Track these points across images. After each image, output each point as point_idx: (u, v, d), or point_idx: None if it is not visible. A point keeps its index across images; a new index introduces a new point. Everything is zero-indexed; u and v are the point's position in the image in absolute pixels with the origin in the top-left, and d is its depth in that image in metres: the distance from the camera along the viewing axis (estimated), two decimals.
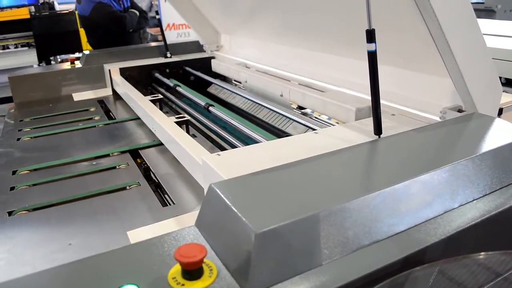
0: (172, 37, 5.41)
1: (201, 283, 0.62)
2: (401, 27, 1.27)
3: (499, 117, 2.14)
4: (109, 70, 2.33)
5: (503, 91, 2.28)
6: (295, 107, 1.95)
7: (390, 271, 0.64)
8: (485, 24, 3.45)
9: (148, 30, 5.99)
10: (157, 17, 2.56)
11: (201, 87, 2.40)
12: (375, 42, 0.97)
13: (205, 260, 0.65)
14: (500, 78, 2.36)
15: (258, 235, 0.61)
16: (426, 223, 0.74)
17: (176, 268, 0.64)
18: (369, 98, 1.46)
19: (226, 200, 0.69)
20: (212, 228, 0.72)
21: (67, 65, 2.52)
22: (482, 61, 1.12)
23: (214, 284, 0.62)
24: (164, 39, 2.54)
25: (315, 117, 1.87)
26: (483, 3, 7.46)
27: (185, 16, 2.62)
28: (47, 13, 4.95)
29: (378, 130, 1.05)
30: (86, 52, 2.59)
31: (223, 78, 2.50)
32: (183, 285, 0.62)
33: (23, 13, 4.80)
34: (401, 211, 0.73)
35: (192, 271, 0.62)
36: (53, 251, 1.00)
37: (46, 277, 0.65)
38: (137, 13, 3.27)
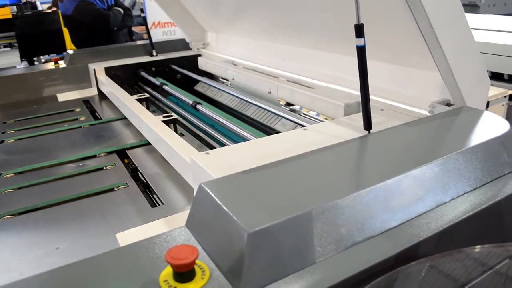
0: (157, 35, 5.36)
1: (193, 285, 0.61)
2: (390, 22, 1.27)
3: (486, 109, 2.16)
4: (94, 70, 2.30)
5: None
6: (283, 103, 1.94)
7: (384, 267, 0.63)
8: (470, 19, 3.48)
9: (133, 28, 5.94)
10: (142, 15, 2.53)
11: (188, 85, 2.38)
12: (363, 37, 0.97)
13: (196, 261, 0.64)
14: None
15: (251, 235, 0.60)
16: (418, 218, 0.74)
17: (168, 271, 0.63)
18: (358, 93, 1.46)
19: (217, 200, 0.68)
20: (203, 228, 0.70)
21: (51, 65, 2.48)
22: (470, 55, 1.12)
23: (206, 285, 0.61)
24: (149, 38, 2.51)
25: (304, 114, 1.86)
26: None
27: (170, 14, 2.59)
28: (30, 12, 4.87)
29: (368, 125, 1.05)
30: (70, 51, 2.55)
31: (210, 76, 2.48)
32: (172, 286, 0.60)
33: (5, 13, 4.72)
34: (393, 207, 0.73)
35: (184, 273, 0.61)
36: (40, 256, 0.98)
37: (34, 284, 0.63)
38: (121, 11, 3.23)
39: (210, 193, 0.71)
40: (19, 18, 4.65)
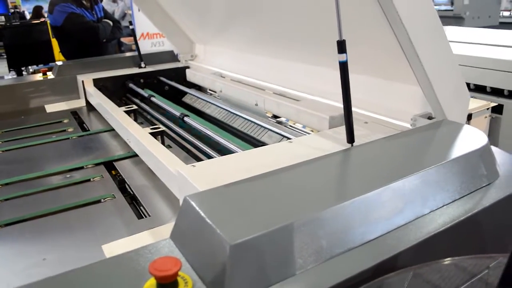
0: (146, 46, 5.37)
1: None
2: (373, 37, 1.30)
3: (468, 122, 2.21)
4: (82, 81, 2.31)
5: (472, 97, 2.35)
6: (270, 116, 1.97)
7: (363, 278, 0.65)
8: (454, 31, 3.55)
9: (122, 39, 5.95)
10: (131, 27, 2.55)
11: (176, 97, 2.40)
12: (346, 53, 0.99)
13: (180, 273, 0.65)
14: (469, 84, 2.44)
15: (233, 247, 0.61)
16: (398, 230, 0.76)
17: (151, 282, 0.64)
18: (340, 106, 1.50)
19: (201, 212, 0.70)
20: (187, 240, 0.72)
21: (39, 76, 2.48)
22: (449, 69, 1.15)
23: None
24: (138, 49, 2.53)
25: (290, 126, 1.89)
26: (452, 10, 7.67)
27: (158, 26, 2.62)
28: (18, 23, 4.87)
29: (350, 138, 1.07)
30: (59, 63, 2.56)
31: (198, 88, 2.51)
32: None
33: None
34: (373, 219, 0.75)
35: (167, 285, 0.62)
36: (27, 267, 0.98)
37: None
38: (111, 23, 3.25)
39: (194, 205, 0.72)
40: (7, 28, 4.64)
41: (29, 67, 5.34)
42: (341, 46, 0.98)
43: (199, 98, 2.20)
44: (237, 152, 1.32)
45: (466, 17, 7.43)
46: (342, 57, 0.99)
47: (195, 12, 2.36)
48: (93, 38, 3.12)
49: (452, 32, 3.61)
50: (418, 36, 1.03)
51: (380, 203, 0.77)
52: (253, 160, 1.06)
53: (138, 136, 1.46)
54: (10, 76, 4.74)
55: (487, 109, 2.23)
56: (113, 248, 1.03)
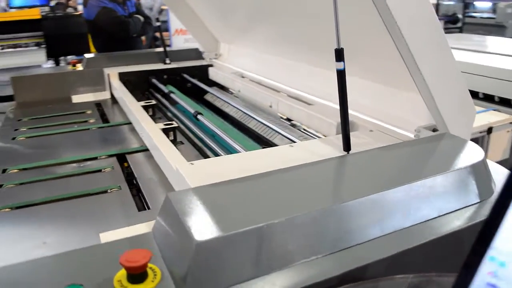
0: (179, 42, 5.48)
1: (143, 286, 0.65)
2: (385, 45, 1.30)
3: (488, 136, 2.15)
4: (108, 74, 2.39)
5: (496, 110, 2.29)
6: (284, 118, 1.99)
7: (326, 286, 0.67)
8: (495, 42, 3.45)
9: (158, 34, 6.08)
10: (157, 24, 2.61)
11: (199, 94, 2.45)
12: (343, 61, 1.00)
13: (151, 265, 0.68)
14: (493, 96, 2.38)
15: (199, 244, 0.64)
16: (372, 241, 0.77)
17: (123, 272, 0.68)
18: (354, 113, 1.50)
19: (176, 209, 0.73)
20: (164, 235, 0.75)
21: (69, 68, 2.58)
22: (453, 83, 1.14)
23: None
24: (163, 45, 2.60)
25: (303, 129, 1.90)
26: (494, 18, 7.43)
27: (185, 24, 2.67)
28: (59, 14, 5.06)
29: (346, 146, 1.08)
30: (89, 55, 2.65)
31: (221, 86, 2.55)
32: (125, 287, 0.65)
33: (34, 14, 4.91)
34: (347, 229, 0.76)
35: (136, 275, 0.66)
36: (27, 249, 1.04)
37: None
38: (141, 18, 3.33)
39: (172, 203, 0.75)
40: (47, 19, 4.84)
41: (68, 57, 5.54)
42: (339, 54, 1.00)
43: (218, 97, 2.23)
44: (240, 152, 1.35)
45: (509, 26, 7.18)
46: (340, 65, 1.00)
47: (221, 13, 2.40)
48: (123, 32, 3.21)
49: (493, 42, 3.52)
50: (419, 48, 1.02)
51: (357, 213, 0.78)
52: (249, 162, 1.09)
53: (149, 131, 1.51)
54: (48, 65, 4.93)
55: (510, 123, 2.17)
56: (109, 237, 1.08)
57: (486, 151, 2.09)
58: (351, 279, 0.69)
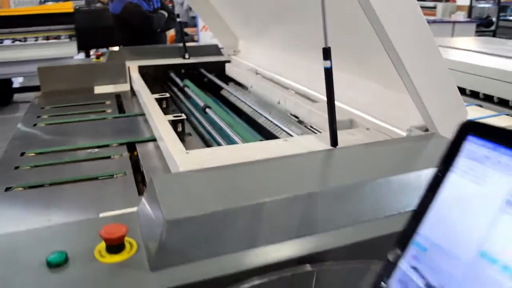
0: (206, 38, 5.59)
1: (118, 256, 0.73)
2: (381, 47, 1.34)
3: None
4: (128, 67, 2.49)
5: (509, 115, 2.27)
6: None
7: (281, 266, 0.72)
8: None
9: (185, 29, 6.21)
10: (178, 19, 2.70)
11: (215, 89, 2.52)
12: (330, 60, 1.05)
13: (129, 239, 0.76)
14: (508, 101, 2.35)
15: (168, 222, 0.71)
16: (328, 233, 0.81)
17: (103, 244, 0.75)
18: (354, 111, 1.54)
19: (156, 191, 0.80)
20: (144, 214, 0.82)
21: (93, 60, 2.70)
22: (442, 85, 1.16)
23: (129, 258, 0.72)
24: (183, 41, 2.68)
25: (310, 126, 1.94)
26: None
27: (205, 20, 2.75)
28: (90, 7, 5.25)
29: (334, 141, 1.13)
30: (112, 48, 2.76)
31: (238, 82, 2.61)
32: (103, 256, 0.73)
33: (68, 7, 5.11)
34: (313, 216, 0.81)
35: (113, 246, 0.73)
36: (32, 223, 1.12)
37: None
38: (166, 14, 3.44)
39: (154, 185, 0.82)
40: (79, 12, 5.03)
41: (99, 49, 5.73)
42: (326, 53, 1.04)
43: (230, 92, 2.30)
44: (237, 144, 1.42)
45: None
46: (327, 63, 1.05)
47: (240, 10, 2.47)
48: (147, 27, 3.33)
49: None
50: (405, 49, 1.06)
51: (319, 205, 0.82)
52: (240, 153, 1.15)
53: (157, 121, 1.59)
54: (78, 57, 5.12)
55: None
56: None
57: None
58: (312, 261, 0.74)
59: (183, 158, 1.12)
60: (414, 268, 0.52)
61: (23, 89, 6.05)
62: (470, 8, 7.80)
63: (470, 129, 0.52)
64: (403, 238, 0.55)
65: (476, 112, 2.29)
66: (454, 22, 7.28)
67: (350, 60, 1.66)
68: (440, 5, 8.00)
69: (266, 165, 0.97)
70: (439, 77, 1.15)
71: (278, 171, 0.95)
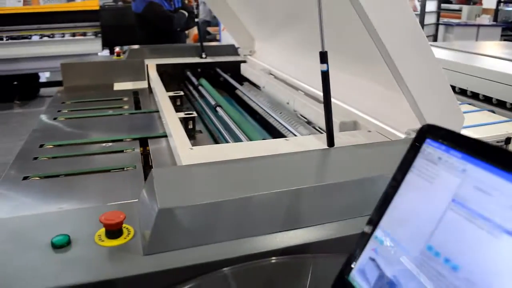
0: (228, 37, 5.65)
1: (116, 241, 0.79)
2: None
3: (506, 146, 2.15)
4: (147, 65, 2.57)
5: None
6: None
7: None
8: None
9: (208, 28, 6.30)
10: (197, 20, 2.78)
11: (231, 88, 2.59)
12: (327, 63, 1.10)
13: (127, 225, 0.82)
14: None
15: (161, 210, 0.77)
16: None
17: (103, 229, 0.82)
18: (359, 113, 1.58)
19: (154, 182, 0.86)
20: (143, 203, 0.89)
21: (113, 57, 2.80)
22: (437, 89, 1.20)
23: (125, 243, 0.79)
24: (200, 41, 2.75)
25: (319, 127, 1.99)
26: None
27: (222, 20, 2.82)
28: (115, 5, 5.39)
29: (330, 142, 1.18)
30: (132, 46, 2.86)
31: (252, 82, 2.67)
32: (102, 240, 0.80)
33: (93, 5, 5.26)
34: (294, 211, 0.86)
35: (112, 231, 0.80)
36: (44, 210, 1.21)
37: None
38: (186, 13, 3.52)
39: (153, 176, 0.89)
40: (105, 10, 5.18)
41: (124, 46, 5.88)
42: (323, 57, 1.09)
43: (244, 92, 2.36)
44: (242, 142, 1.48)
45: None
46: (323, 66, 1.10)
47: (257, 12, 2.52)
48: (167, 26, 3.42)
49: None
50: (400, 54, 1.10)
51: (291, 202, 0.86)
52: (242, 150, 1.20)
53: (168, 118, 1.66)
54: (103, 54, 5.26)
55: None
56: None
57: None
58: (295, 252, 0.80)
59: (187, 153, 1.19)
60: (372, 260, 0.57)
61: (49, 84, 6.24)
62: (496, 11, 7.67)
63: (429, 132, 0.57)
64: (365, 230, 0.60)
65: (489, 117, 2.30)
66: (479, 26, 7.18)
67: (356, 63, 1.70)
68: (465, 8, 7.89)
69: (259, 162, 1.03)
70: (434, 82, 1.18)
71: (270, 168, 1.00)
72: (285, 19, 2.23)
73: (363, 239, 0.60)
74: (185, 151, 1.20)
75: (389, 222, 0.57)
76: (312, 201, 0.87)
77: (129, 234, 0.82)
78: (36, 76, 6.17)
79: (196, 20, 2.79)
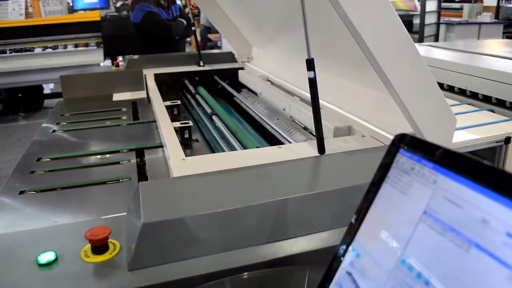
0: (228, 44, 5.66)
1: (101, 257, 0.79)
2: None
3: (506, 146, 2.13)
4: (145, 75, 2.59)
5: None
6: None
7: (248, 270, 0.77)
8: None
9: (209, 35, 6.32)
10: (193, 28, 2.79)
11: (229, 95, 2.59)
12: (314, 70, 1.10)
13: (113, 240, 0.83)
14: None
15: (145, 225, 0.77)
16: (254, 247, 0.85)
17: (89, 245, 0.82)
18: (353, 117, 1.58)
19: (140, 196, 0.86)
20: (130, 216, 0.89)
21: (112, 68, 2.82)
22: (427, 93, 1.19)
23: (110, 259, 0.79)
24: (198, 49, 2.76)
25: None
26: None
27: (219, 27, 2.82)
28: (118, 15, 5.42)
29: (321, 149, 1.17)
30: (133, 56, 2.88)
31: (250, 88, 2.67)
32: (88, 257, 0.80)
33: (94, 16, 5.30)
34: (276, 224, 0.86)
35: (97, 247, 0.80)
36: (38, 225, 1.21)
37: None
38: (184, 22, 3.54)
39: (140, 190, 0.89)
40: (106, 20, 5.22)
41: (126, 56, 5.91)
42: (309, 64, 1.09)
43: (240, 100, 2.37)
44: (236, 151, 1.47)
45: None
46: (310, 74, 1.10)
47: (252, 18, 2.53)
48: (165, 35, 3.43)
49: None
50: (387, 59, 1.09)
51: (275, 214, 0.86)
52: (234, 160, 1.20)
53: (163, 128, 1.67)
54: (105, 64, 5.30)
55: None
56: None
57: (503, 162, 2.07)
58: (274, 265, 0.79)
59: (179, 164, 1.19)
60: (349, 274, 0.57)
61: (53, 95, 6.29)
62: (498, 8, 7.63)
63: (402, 142, 0.56)
64: (343, 243, 0.59)
65: (489, 117, 2.28)
66: (480, 24, 7.14)
67: (352, 68, 1.69)
68: (466, 6, 7.85)
69: (248, 172, 1.02)
70: (424, 85, 1.17)
71: (258, 178, 1.00)
72: (281, 25, 2.23)
73: (340, 252, 0.59)
74: (177, 162, 1.21)
75: (365, 235, 0.57)
76: (299, 212, 0.87)
77: (115, 249, 0.82)
78: (40, 88, 6.22)
79: (193, 28, 2.80)
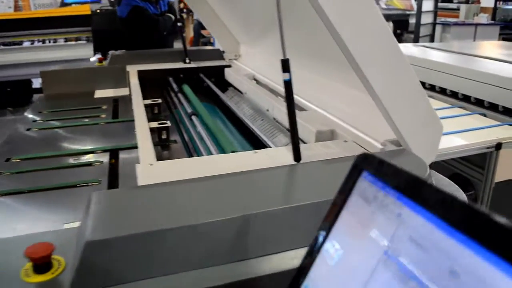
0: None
1: (43, 277, 0.72)
2: None
3: (497, 152, 2.06)
4: (128, 72, 2.50)
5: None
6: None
7: None
8: None
9: (202, 31, 6.24)
10: (179, 24, 2.70)
11: (215, 94, 2.51)
12: (289, 72, 1.02)
13: (57, 257, 0.75)
14: None
15: (88, 243, 0.69)
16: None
17: (30, 264, 0.74)
18: (338, 121, 1.51)
19: (90, 208, 0.79)
20: (79, 231, 0.81)
21: (95, 64, 2.73)
22: (412, 100, 1.12)
23: (52, 279, 0.71)
24: (184, 45, 2.68)
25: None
26: None
27: (207, 24, 2.74)
28: (108, 9, 5.32)
29: (297, 157, 1.10)
30: (113, 52, 2.79)
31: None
32: (29, 276, 0.72)
33: (85, 9, 5.20)
34: (242, 242, 0.78)
35: (38, 266, 0.72)
36: None
37: None
38: (172, 17, 3.45)
39: (91, 202, 0.81)
40: (96, 14, 5.12)
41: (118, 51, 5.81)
42: (285, 65, 1.01)
43: (224, 100, 2.29)
44: (212, 154, 1.40)
45: None
46: (286, 76, 1.02)
47: (239, 15, 2.45)
48: (152, 30, 3.34)
49: None
50: (366, 58, 1.01)
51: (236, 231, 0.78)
52: (205, 166, 1.13)
53: (138, 129, 1.59)
54: (94, 58, 5.20)
55: None
56: (72, 227, 1.16)
57: (494, 168, 2.01)
58: None
59: (145, 170, 1.11)
60: None
61: (42, 90, 6.17)
62: (495, 10, 7.57)
63: (365, 163, 0.49)
64: (293, 282, 0.51)
65: (480, 122, 2.21)
66: (477, 25, 7.07)
67: (338, 67, 1.61)
68: (463, 7, 7.78)
69: (215, 182, 0.95)
70: (410, 93, 1.10)
71: (225, 189, 0.92)
72: (269, 23, 2.15)
73: None
74: (144, 168, 1.13)
75: (319, 274, 0.49)
76: (264, 228, 0.80)
77: (59, 267, 0.74)
78: (29, 82, 6.11)
79: (179, 24, 2.72)
